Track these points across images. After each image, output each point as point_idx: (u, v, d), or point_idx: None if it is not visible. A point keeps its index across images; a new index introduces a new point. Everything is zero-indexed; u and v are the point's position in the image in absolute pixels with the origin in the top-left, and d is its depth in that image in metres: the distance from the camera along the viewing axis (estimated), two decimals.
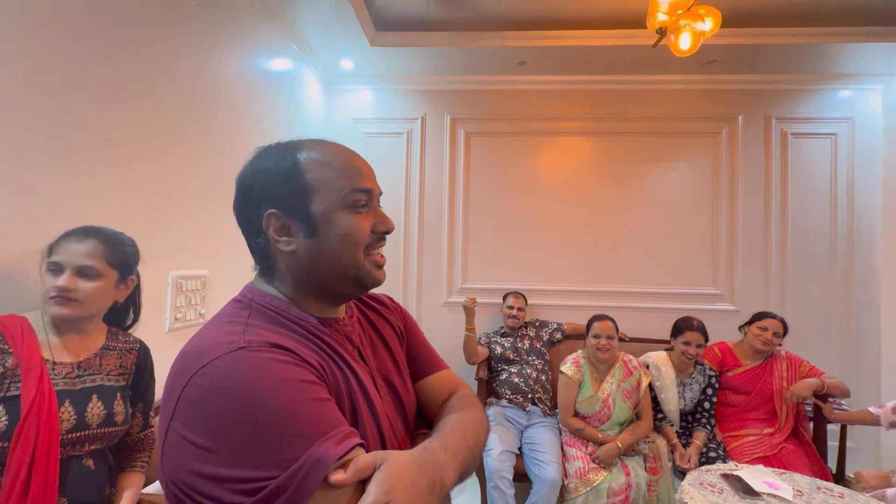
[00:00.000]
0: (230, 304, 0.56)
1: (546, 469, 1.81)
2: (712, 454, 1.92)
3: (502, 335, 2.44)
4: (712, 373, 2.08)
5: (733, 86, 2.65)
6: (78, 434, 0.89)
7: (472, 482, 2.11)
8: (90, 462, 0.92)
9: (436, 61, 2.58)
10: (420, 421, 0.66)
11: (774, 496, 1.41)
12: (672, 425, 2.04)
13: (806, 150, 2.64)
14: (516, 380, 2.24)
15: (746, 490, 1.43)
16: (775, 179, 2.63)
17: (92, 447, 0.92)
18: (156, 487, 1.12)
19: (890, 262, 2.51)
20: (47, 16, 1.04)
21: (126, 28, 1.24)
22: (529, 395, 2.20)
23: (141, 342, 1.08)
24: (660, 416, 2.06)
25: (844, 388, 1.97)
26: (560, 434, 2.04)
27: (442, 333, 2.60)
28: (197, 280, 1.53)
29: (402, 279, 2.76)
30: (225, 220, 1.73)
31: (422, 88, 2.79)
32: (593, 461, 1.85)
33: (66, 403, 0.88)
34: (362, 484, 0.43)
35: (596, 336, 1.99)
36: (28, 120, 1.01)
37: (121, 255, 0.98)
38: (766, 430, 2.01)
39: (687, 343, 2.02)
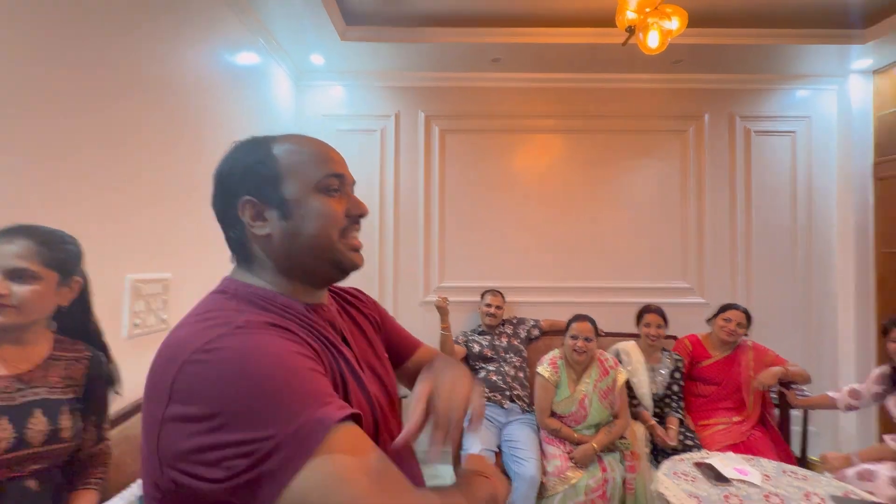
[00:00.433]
0: (212, 295, 0.54)
1: (525, 466, 1.81)
2: (688, 442, 1.98)
3: (480, 333, 2.44)
4: (678, 358, 2.19)
5: (699, 85, 2.73)
6: (17, 454, 0.81)
7: (452, 479, 2.09)
8: (33, 483, 0.84)
9: (409, 57, 2.54)
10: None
11: (744, 482, 1.45)
12: (646, 410, 2.09)
13: (768, 147, 2.75)
14: (494, 377, 2.24)
15: (718, 477, 1.47)
16: (740, 176, 2.73)
17: (35, 467, 0.85)
18: None
19: (845, 254, 2.64)
20: None
21: (82, 25, 1.15)
22: (507, 393, 2.20)
23: (93, 350, 1.00)
24: (634, 401, 2.11)
25: (806, 374, 2.06)
26: (538, 431, 2.05)
27: (419, 332, 2.48)
28: (158, 283, 1.45)
29: (377, 278, 2.71)
30: (190, 221, 1.67)
31: (395, 85, 2.75)
32: (570, 460, 1.86)
33: (4, 421, 0.81)
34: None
35: (574, 337, 1.99)
36: None
37: (59, 255, 0.90)
38: (735, 419, 2.08)
39: (647, 325, 2.17)
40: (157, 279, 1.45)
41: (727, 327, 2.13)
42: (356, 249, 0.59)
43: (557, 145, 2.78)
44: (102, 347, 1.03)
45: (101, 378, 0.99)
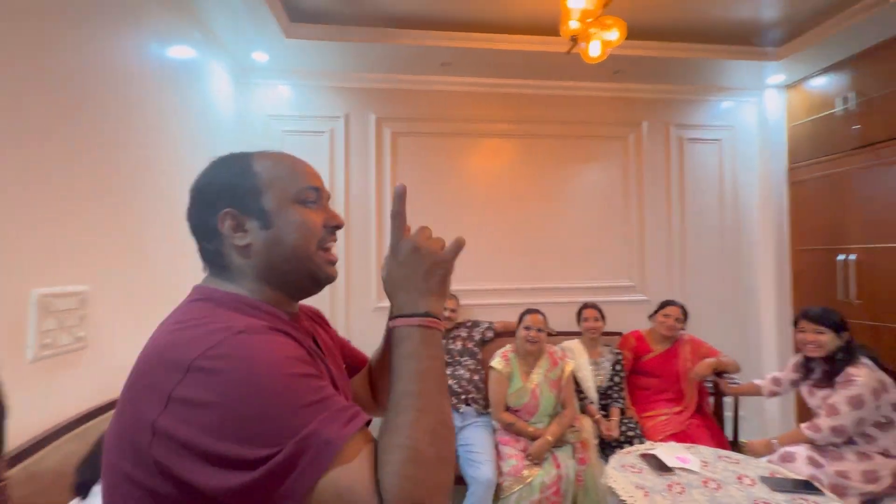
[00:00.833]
0: (191, 304, 0.54)
1: (481, 469, 1.81)
2: (630, 433, 2.08)
3: None
4: (618, 351, 2.35)
5: (638, 94, 2.89)
6: None
7: None
8: None
9: (359, 58, 2.48)
10: None
11: (685, 469, 1.54)
12: (592, 403, 2.21)
13: (698, 154, 2.96)
14: (449, 382, 2.22)
15: (661, 467, 1.55)
16: (674, 180, 2.92)
17: None
18: None
19: (765, 251, 2.90)
20: None
21: None
22: (463, 396, 2.20)
23: None
24: (581, 395, 2.21)
25: (736, 364, 2.23)
26: (494, 433, 2.06)
27: (372, 339, 2.44)
28: (72, 297, 1.29)
29: (329, 285, 2.61)
30: (114, 227, 1.51)
31: (345, 86, 2.68)
32: (527, 458, 1.89)
33: None
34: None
35: (527, 328, 2.10)
36: None
37: None
38: (675, 409, 2.21)
39: (586, 319, 2.35)
40: (72, 293, 1.30)
41: (667, 322, 2.27)
42: (332, 263, 0.61)
43: (507, 149, 2.83)
44: None
45: None
